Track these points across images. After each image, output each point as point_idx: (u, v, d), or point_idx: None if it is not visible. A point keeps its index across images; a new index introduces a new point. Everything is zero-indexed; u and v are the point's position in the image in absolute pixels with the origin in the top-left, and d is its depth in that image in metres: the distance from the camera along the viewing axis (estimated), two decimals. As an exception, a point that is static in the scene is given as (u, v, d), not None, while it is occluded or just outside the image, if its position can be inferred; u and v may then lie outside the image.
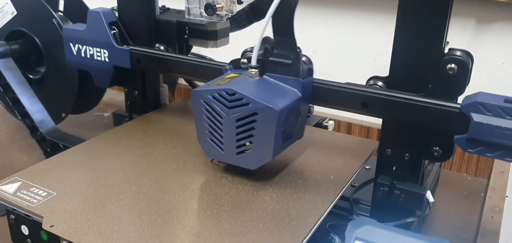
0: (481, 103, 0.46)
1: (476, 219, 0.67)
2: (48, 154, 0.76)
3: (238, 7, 0.67)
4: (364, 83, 0.56)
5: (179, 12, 0.78)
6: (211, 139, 0.54)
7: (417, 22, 0.50)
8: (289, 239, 0.45)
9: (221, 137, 0.53)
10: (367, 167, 0.68)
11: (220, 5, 0.66)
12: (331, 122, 0.78)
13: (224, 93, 0.51)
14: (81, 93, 0.82)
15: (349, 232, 0.44)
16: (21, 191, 0.52)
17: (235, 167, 0.55)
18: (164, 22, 0.74)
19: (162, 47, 0.73)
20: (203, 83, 0.55)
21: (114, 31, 0.72)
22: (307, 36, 1.02)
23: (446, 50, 0.51)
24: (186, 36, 0.74)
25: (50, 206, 0.49)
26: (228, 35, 0.75)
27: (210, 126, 0.53)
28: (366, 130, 0.89)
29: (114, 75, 0.73)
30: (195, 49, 0.80)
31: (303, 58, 0.56)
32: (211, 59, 0.69)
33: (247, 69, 0.55)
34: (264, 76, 0.55)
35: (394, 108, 0.51)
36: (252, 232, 0.46)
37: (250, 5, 0.67)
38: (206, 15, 0.67)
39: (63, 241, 0.46)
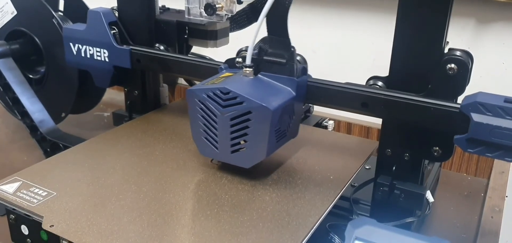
0: (481, 103, 0.46)
1: (476, 219, 0.67)
2: (48, 154, 0.76)
3: (238, 7, 0.67)
4: (364, 83, 0.56)
5: (179, 12, 0.78)
6: (206, 138, 0.54)
7: (417, 22, 0.50)
8: (289, 239, 0.45)
9: (216, 135, 0.53)
10: (367, 167, 0.68)
11: (220, 5, 0.66)
12: (331, 122, 0.78)
13: (219, 92, 0.51)
14: (81, 93, 0.82)
15: (349, 232, 0.44)
16: (21, 191, 0.52)
17: (234, 167, 0.55)
18: (164, 22, 0.74)
19: (162, 47, 0.73)
20: (201, 83, 0.55)
21: (114, 31, 0.72)
22: (307, 36, 1.02)
23: (446, 50, 0.51)
24: (186, 36, 0.74)
25: (50, 206, 0.49)
26: (228, 35, 0.75)
27: (204, 124, 0.54)
28: (366, 130, 0.89)
29: (114, 75, 0.73)
30: (195, 49, 0.80)
31: (298, 57, 0.56)
32: (211, 59, 0.69)
33: (242, 68, 0.55)
34: (259, 75, 0.55)
35: (394, 108, 0.51)
36: (252, 232, 0.46)
37: (250, 5, 0.67)
38: (206, 15, 0.67)
39: (63, 241, 0.46)
